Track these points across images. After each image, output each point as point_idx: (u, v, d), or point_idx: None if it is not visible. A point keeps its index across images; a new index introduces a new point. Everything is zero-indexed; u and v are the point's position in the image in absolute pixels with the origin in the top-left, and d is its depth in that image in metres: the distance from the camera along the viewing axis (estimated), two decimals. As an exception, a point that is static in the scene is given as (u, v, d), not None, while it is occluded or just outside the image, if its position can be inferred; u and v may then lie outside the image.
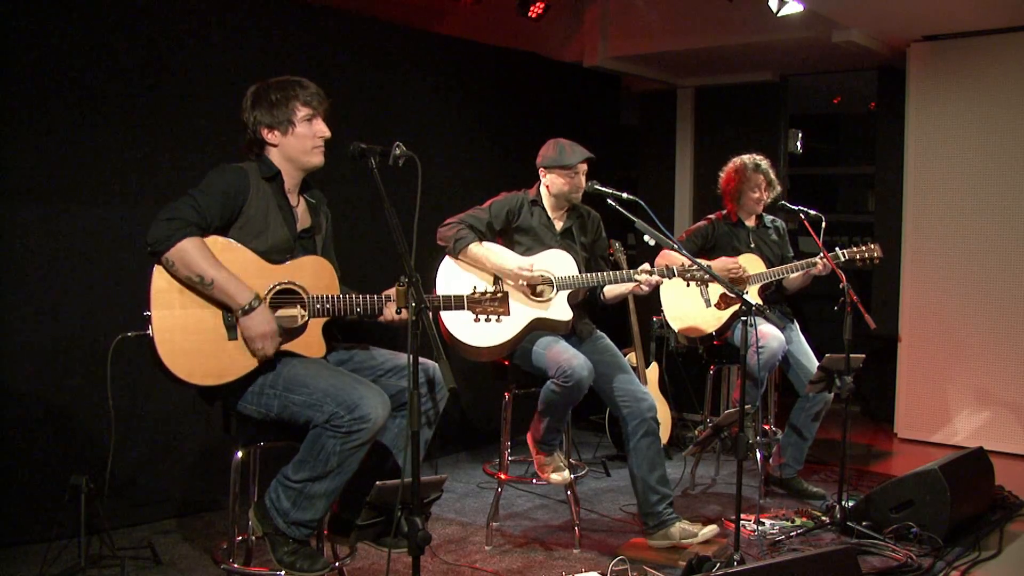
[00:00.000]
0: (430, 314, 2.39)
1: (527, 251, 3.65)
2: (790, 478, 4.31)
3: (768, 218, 4.50)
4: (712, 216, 4.45)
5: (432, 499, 2.59)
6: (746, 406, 3.39)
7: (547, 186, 3.70)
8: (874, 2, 4.79)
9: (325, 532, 2.84)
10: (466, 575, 3.37)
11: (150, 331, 2.51)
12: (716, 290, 4.19)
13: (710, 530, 3.60)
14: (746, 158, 4.34)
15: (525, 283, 3.52)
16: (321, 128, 2.74)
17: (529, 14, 5.50)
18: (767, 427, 4.53)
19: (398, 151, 2.57)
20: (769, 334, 4.02)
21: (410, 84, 4.92)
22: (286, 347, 2.66)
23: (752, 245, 4.36)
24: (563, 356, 3.39)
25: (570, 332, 3.67)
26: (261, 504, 2.65)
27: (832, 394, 4.09)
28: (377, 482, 2.49)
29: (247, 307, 2.54)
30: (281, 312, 2.65)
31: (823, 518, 3.88)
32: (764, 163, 4.33)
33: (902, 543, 3.51)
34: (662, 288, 4.24)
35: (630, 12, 5.88)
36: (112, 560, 3.26)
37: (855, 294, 3.73)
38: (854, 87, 7.22)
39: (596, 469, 4.85)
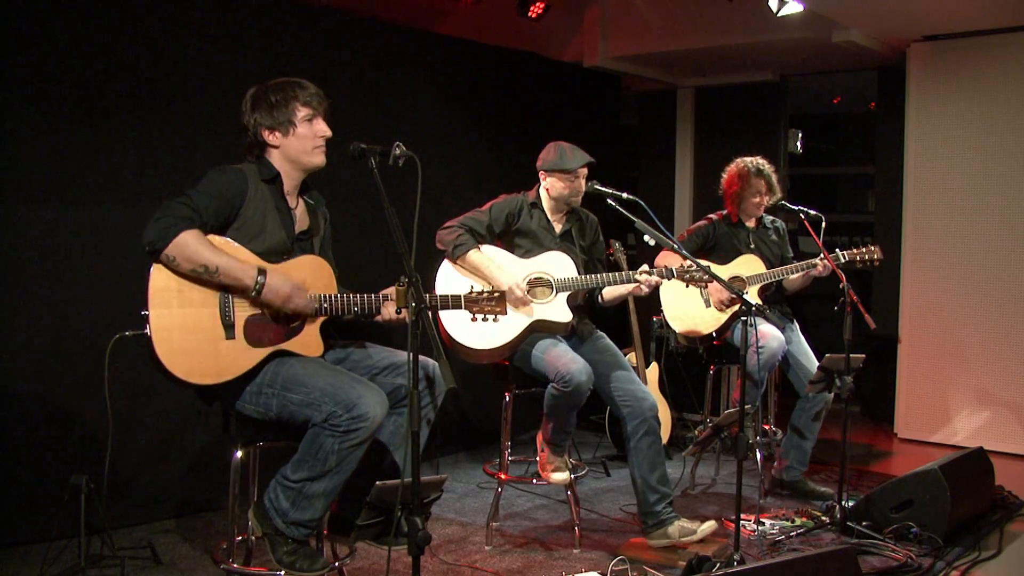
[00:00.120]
0: (430, 314, 2.39)
1: (527, 253, 3.66)
2: (796, 480, 4.31)
3: (768, 219, 4.50)
4: (712, 216, 4.45)
5: (432, 499, 2.60)
6: (746, 406, 3.39)
7: (547, 189, 3.70)
8: (874, 2, 4.79)
9: (325, 532, 2.84)
10: (466, 575, 3.37)
11: (148, 330, 2.51)
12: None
13: (708, 526, 3.59)
14: (748, 161, 4.33)
15: (516, 301, 3.52)
16: (322, 128, 2.74)
17: (529, 14, 5.50)
18: (767, 427, 4.53)
19: (398, 151, 2.57)
20: (769, 334, 4.02)
21: (410, 84, 4.92)
22: (284, 346, 2.67)
23: (752, 246, 4.36)
24: (561, 360, 3.39)
25: (571, 333, 3.67)
26: (260, 504, 2.65)
27: (832, 394, 4.09)
28: (377, 482, 2.49)
29: (257, 286, 2.56)
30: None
31: (823, 518, 3.88)
32: (766, 167, 4.32)
33: (902, 543, 3.51)
34: (662, 288, 4.24)
35: (630, 12, 5.88)
36: (112, 560, 3.26)
37: (855, 294, 3.73)
38: (854, 87, 7.22)
39: (596, 469, 4.85)
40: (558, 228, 3.74)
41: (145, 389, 3.74)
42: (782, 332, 4.15)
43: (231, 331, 2.59)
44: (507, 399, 3.76)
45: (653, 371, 5.08)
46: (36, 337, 3.54)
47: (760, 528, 3.81)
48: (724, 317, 4.18)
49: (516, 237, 3.68)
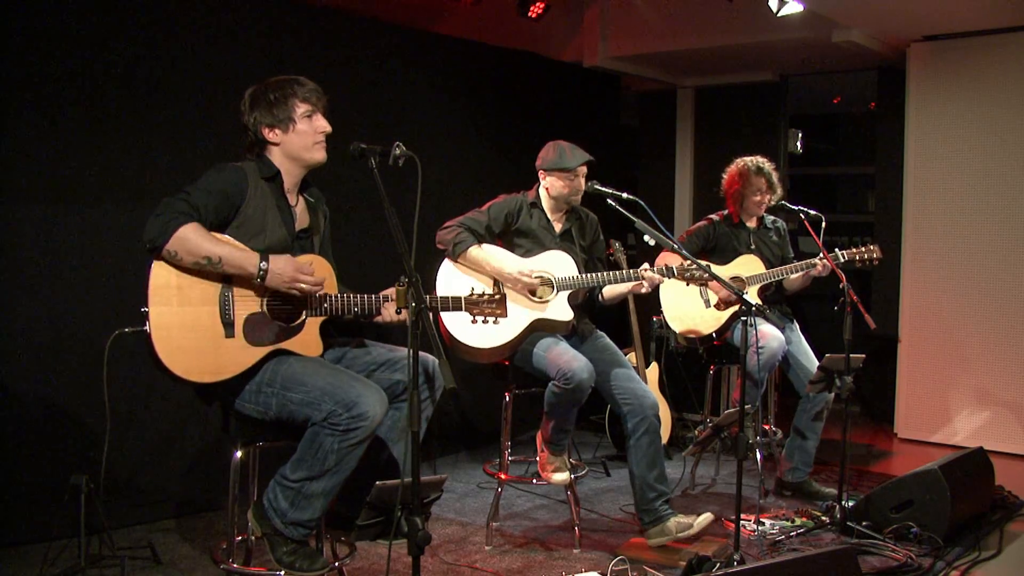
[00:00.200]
0: (430, 314, 2.39)
1: (527, 253, 3.65)
2: (801, 481, 4.30)
3: (769, 219, 4.50)
4: (713, 216, 4.45)
5: (432, 499, 2.60)
6: (746, 406, 3.39)
7: (546, 188, 3.70)
8: (874, 2, 4.79)
9: (324, 531, 2.84)
10: (466, 575, 3.37)
11: (147, 327, 2.51)
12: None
13: (705, 518, 3.55)
14: (749, 161, 4.33)
15: (524, 287, 3.53)
16: (322, 124, 2.74)
17: (529, 14, 5.50)
18: (767, 427, 4.53)
19: (398, 151, 2.57)
20: (769, 334, 4.01)
21: (410, 84, 4.92)
22: (284, 345, 2.67)
23: (752, 246, 4.36)
24: (563, 358, 3.39)
25: (571, 332, 3.67)
26: (259, 505, 2.65)
27: (832, 394, 4.09)
28: (377, 482, 2.49)
29: (261, 272, 2.56)
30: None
31: (823, 518, 3.88)
32: (767, 166, 4.32)
33: (902, 543, 3.51)
34: (662, 288, 4.23)
35: (630, 12, 5.88)
36: (112, 560, 3.26)
37: (855, 294, 3.73)
38: (854, 87, 7.22)
39: (596, 469, 4.85)
40: (558, 227, 3.74)
41: (145, 389, 3.74)
42: (782, 332, 4.15)
43: (231, 329, 2.59)
44: (507, 399, 3.76)
45: (653, 371, 5.08)
46: (36, 336, 3.53)
47: (760, 528, 3.81)
48: (724, 317, 4.17)
49: (516, 237, 3.68)
